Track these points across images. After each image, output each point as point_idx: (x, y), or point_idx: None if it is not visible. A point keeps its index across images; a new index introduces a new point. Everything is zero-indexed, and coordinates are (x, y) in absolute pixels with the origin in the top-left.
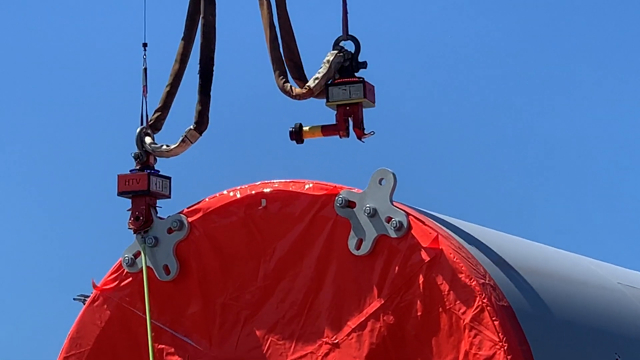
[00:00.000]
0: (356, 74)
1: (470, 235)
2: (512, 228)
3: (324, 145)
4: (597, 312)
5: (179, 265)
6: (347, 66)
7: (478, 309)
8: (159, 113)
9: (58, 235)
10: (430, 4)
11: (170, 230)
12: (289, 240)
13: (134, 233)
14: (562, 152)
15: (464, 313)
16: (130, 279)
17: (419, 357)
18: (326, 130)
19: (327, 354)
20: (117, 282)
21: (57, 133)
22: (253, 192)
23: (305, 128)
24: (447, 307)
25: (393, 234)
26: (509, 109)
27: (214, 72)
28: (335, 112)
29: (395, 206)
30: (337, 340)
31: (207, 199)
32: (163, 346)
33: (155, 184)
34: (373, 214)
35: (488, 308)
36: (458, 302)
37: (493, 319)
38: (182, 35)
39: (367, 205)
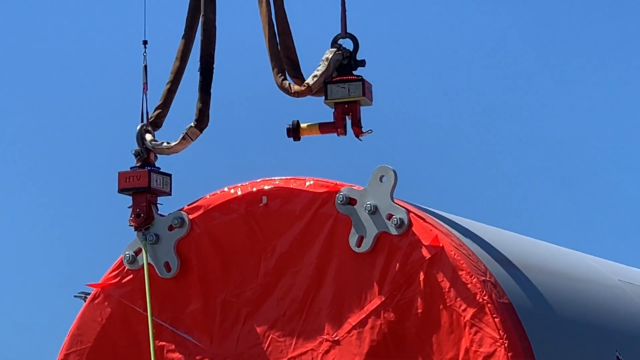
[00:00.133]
0: (354, 72)
1: (471, 233)
2: (513, 225)
3: (325, 143)
4: (597, 309)
5: (180, 263)
6: (345, 64)
7: (479, 306)
8: (159, 110)
9: (59, 232)
10: (429, 2)
11: (171, 228)
12: (289, 238)
13: (135, 230)
14: (562, 149)
15: (464, 310)
16: (131, 276)
17: (419, 354)
18: (324, 128)
19: (327, 351)
20: (118, 279)
21: (57, 131)
22: (254, 189)
23: (303, 125)
24: (448, 304)
25: (394, 231)
26: (509, 106)
27: (214, 70)
28: (333, 110)
29: (396, 203)
30: (337, 338)
31: (208, 196)
32: (164, 343)
33: (156, 180)
34: (374, 211)
35: (489, 305)
36: (459, 299)
37: (494, 316)
38: (183, 32)
39: (368, 203)
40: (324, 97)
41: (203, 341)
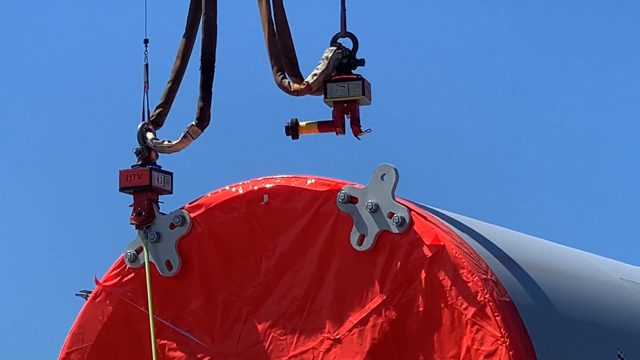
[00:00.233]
0: (353, 71)
1: (472, 231)
2: (514, 223)
3: (326, 142)
4: (599, 308)
5: (181, 261)
6: (344, 63)
7: (480, 305)
8: (160, 109)
9: (60, 231)
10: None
11: (172, 226)
12: (290, 236)
13: (136, 228)
14: (564, 147)
15: (466, 309)
16: (133, 274)
17: (420, 352)
18: (322, 126)
19: (328, 350)
20: (119, 277)
21: (59, 129)
22: (255, 187)
23: (302, 124)
24: (449, 303)
25: (395, 230)
26: (510, 104)
27: (215, 69)
28: (332, 108)
29: (397, 202)
30: (339, 336)
31: (209, 195)
32: (165, 342)
33: (157, 179)
34: (375, 210)
35: (490, 303)
36: (460, 297)
37: (495, 314)
38: (184, 31)
39: (369, 201)
40: (323, 96)
41: (204, 340)
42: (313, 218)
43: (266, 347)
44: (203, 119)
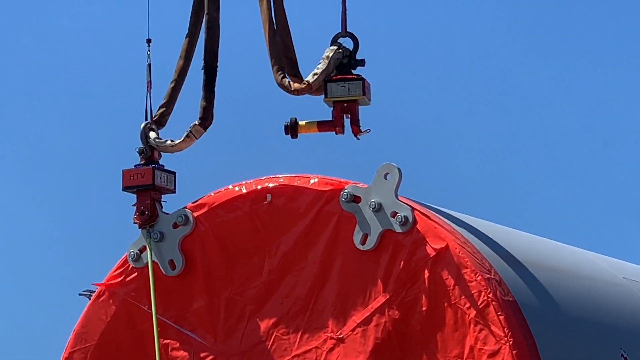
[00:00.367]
0: (353, 71)
1: (476, 230)
2: (518, 223)
3: (329, 141)
4: (602, 307)
5: (184, 260)
6: (345, 63)
7: (483, 304)
8: (163, 109)
9: (63, 230)
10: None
11: (175, 225)
12: (294, 235)
13: (140, 228)
14: (567, 146)
15: (469, 308)
16: (136, 274)
17: (424, 352)
18: (322, 126)
19: (332, 349)
20: (122, 277)
21: (62, 129)
22: (258, 187)
23: (301, 123)
24: (453, 302)
25: (398, 229)
26: (513, 104)
27: (218, 68)
28: (331, 108)
29: (400, 201)
30: (342, 335)
31: (212, 194)
32: (168, 341)
33: (160, 178)
34: (378, 209)
35: (493, 303)
36: (463, 297)
37: (498, 313)
38: (187, 31)
39: (373, 200)
40: (323, 96)
41: (207, 339)
42: (316, 217)
43: (269, 346)
44: (206, 119)
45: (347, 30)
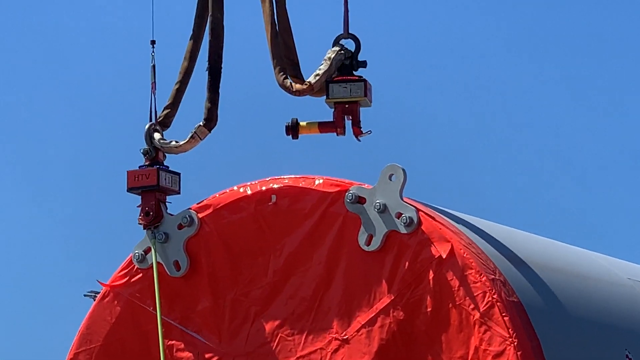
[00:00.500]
0: (355, 73)
1: (481, 231)
2: (522, 224)
3: (334, 142)
4: (607, 308)
5: (189, 261)
6: (346, 64)
7: (488, 305)
8: (168, 110)
9: (68, 231)
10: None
11: (180, 226)
12: (298, 236)
13: (144, 228)
14: (573, 147)
15: (473, 309)
16: (141, 275)
17: (428, 353)
18: (323, 127)
19: (336, 350)
20: (127, 278)
21: (66, 130)
22: (263, 188)
23: (302, 123)
24: (457, 303)
25: (403, 230)
26: (517, 104)
27: (222, 69)
28: (333, 109)
29: (405, 202)
30: (346, 336)
31: (217, 195)
32: (173, 342)
33: (165, 179)
34: (383, 210)
35: (498, 304)
36: (468, 297)
37: (503, 314)
38: (191, 33)
39: (377, 201)
40: (325, 97)
41: (212, 340)
42: (321, 218)
43: (274, 347)
44: (210, 120)
45: (349, 31)
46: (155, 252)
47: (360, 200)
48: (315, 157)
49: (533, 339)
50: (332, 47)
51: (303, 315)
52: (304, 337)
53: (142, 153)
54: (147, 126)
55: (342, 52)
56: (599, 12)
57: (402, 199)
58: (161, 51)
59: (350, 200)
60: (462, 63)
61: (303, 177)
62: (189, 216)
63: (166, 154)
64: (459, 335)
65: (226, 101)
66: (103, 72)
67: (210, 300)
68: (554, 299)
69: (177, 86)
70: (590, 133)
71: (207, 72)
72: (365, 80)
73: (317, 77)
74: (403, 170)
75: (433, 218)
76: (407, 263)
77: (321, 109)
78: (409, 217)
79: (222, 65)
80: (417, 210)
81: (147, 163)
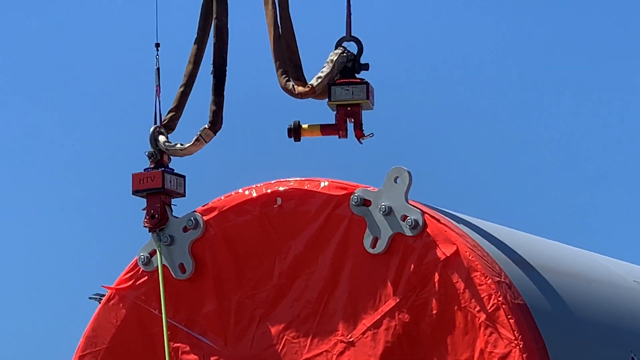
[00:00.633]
0: (357, 76)
1: (486, 233)
2: (528, 226)
3: (338, 144)
4: (612, 310)
5: (195, 264)
6: (349, 67)
7: (493, 307)
8: (172, 113)
9: (73, 234)
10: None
11: (185, 229)
12: (304, 239)
13: (150, 231)
14: (578, 149)
15: (479, 311)
16: (146, 277)
17: (434, 355)
18: (325, 129)
19: (342, 353)
20: (132, 280)
21: (71, 133)
22: (268, 190)
23: (304, 126)
24: (463, 305)
25: (408, 232)
26: (523, 106)
27: (227, 72)
28: (335, 112)
29: (410, 204)
30: (352, 339)
31: (222, 198)
32: (178, 345)
33: (170, 181)
34: (388, 212)
35: (503, 306)
36: (473, 300)
37: (508, 317)
38: (196, 36)
39: (383, 204)
40: (327, 99)
41: (217, 342)
42: (326, 221)
43: (279, 350)
44: (216, 122)
45: (352, 34)
46: (160, 254)
47: (365, 202)
48: (320, 160)
49: (539, 341)
50: (335, 49)
51: (308, 317)
52: (309, 339)
53: (147, 156)
54: (152, 129)
55: (344, 54)
56: (600, 12)
57: (408, 202)
58: (166, 54)
59: (355, 202)
60: (465, 65)
61: (308, 180)
62: (194, 219)
63: (171, 157)
64: (465, 337)
65: (231, 103)
66: (108, 75)
67: (215, 302)
68: (559, 302)
69: (181, 89)
70: (596, 134)
71: (211, 75)
72: (367, 83)
73: (320, 80)
74: (408, 172)
75: (438, 220)
76: (412, 265)
77: (323, 112)
78: (414, 219)
79: (227, 68)
80: (423, 212)
81: (152, 166)
